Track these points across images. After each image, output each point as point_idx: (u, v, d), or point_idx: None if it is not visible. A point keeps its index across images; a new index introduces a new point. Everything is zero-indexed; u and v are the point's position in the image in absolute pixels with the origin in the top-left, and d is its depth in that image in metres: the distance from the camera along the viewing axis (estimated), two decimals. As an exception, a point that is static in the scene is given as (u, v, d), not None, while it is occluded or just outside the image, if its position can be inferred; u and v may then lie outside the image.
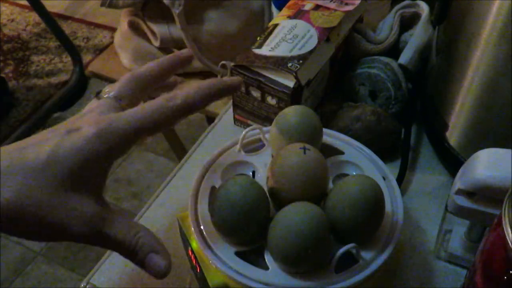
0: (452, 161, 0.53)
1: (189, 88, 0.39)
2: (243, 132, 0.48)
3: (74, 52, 1.74)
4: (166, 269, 0.36)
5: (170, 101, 0.38)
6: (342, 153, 0.49)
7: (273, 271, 0.40)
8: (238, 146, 0.49)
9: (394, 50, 0.64)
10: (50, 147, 0.34)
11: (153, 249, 0.36)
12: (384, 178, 0.46)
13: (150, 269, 0.36)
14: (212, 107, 1.07)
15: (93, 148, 0.35)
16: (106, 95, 0.40)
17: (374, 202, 0.40)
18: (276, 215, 0.40)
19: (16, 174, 0.33)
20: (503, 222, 0.33)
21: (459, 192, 0.43)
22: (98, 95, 0.41)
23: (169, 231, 0.52)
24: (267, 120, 0.58)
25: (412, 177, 0.56)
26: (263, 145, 0.49)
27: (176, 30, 0.99)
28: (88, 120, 0.36)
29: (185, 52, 0.47)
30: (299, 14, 0.61)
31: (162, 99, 0.38)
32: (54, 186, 0.33)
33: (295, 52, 0.56)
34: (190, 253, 0.45)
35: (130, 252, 0.36)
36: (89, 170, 0.35)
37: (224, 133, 0.62)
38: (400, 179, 0.55)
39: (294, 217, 0.38)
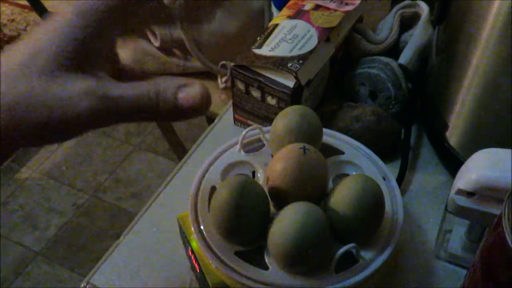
0: (452, 161, 0.53)
1: None
2: (243, 132, 0.48)
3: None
4: (202, 93, 0.32)
5: None
6: (342, 153, 0.49)
7: (273, 271, 0.40)
8: (238, 146, 0.49)
9: (394, 50, 0.64)
10: (24, 43, 0.30)
11: (179, 84, 0.32)
12: (384, 178, 0.46)
13: (185, 104, 0.32)
14: (212, 107, 1.07)
15: (76, 32, 0.31)
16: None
17: (374, 202, 0.40)
18: (276, 215, 0.40)
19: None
20: (503, 222, 0.33)
21: (459, 192, 0.43)
22: None
23: (169, 231, 0.52)
24: (267, 120, 0.58)
25: (412, 177, 0.56)
26: (263, 145, 0.49)
27: (176, 30, 0.99)
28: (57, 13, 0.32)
29: None
30: (299, 14, 0.61)
31: None
32: (43, 74, 0.30)
33: (295, 52, 0.56)
34: (190, 253, 0.45)
35: (154, 103, 0.31)
36: (79, 53, 0.31)
37: (224, 133, 0.62)
38: (400, 179, 0.55)
39: (294, 217, 0.38)
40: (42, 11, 1.56)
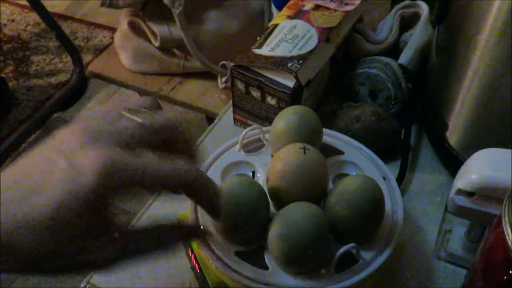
0: (452, 161, 0.53)
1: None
2: (243, 132, 0.48)
3: (74, 52, 1.74)
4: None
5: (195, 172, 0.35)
6: (342, 153, 0.49)
7: (273, 271, 0.40)
8: (238, 146, 0.49)
9: (394, 50, 0.64)
10: (52, 199, 0.31)
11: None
12: (384, 178, 0.46)
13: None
14: (212, 107, 1.07)
15: (96, 195, 0.31)
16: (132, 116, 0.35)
17: (374, 202, 0.40)
18: (276, 215, 0.40)
19: (26, 233, 0.31)
20: (503, 222, 0.33)
21: (459, 192, 0.43)
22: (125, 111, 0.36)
23: (169, 231, 0.52)
24: (267, 120, 0.58)
25: (412, 177, 0.56)
26: (263, 145, 0.49)
27: (176, 30, 0.99)
28: (94, 158, 0.32)
29: None
30: (299, 14, 0.61)
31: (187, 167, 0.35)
32: (66, 234, 0.31)
33: (295, 52, 0.56)
34: (190, 253, 0.45)
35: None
36: (97, 212, 0.32)
37: (224, 133, 0.62)
38: (400, 179, 0.55)
39: (294, 217, 0.38)
40: (42, 11, 1.56)
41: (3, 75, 1.84)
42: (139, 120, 0.35)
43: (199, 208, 0.44)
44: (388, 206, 0.43)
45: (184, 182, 0.35)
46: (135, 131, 0.34)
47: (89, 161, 0.31)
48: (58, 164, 0.32)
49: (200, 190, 0.36)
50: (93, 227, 0.32)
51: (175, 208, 0.54)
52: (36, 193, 0.31)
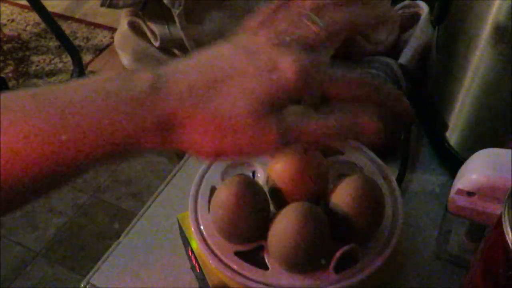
0: (452, 161, 0.53)
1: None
2: (243, 132, 0.48)
3: (74, 52, 1.74)
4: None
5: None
6: (342, 153, 0.49)
7: (273, 271, 0.40)
8: (238, 146, 0.48)
9: (394, 50, 0.64)
10: (248, 96, 0.33)
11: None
12: (384, 178, 0.46)
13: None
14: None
15: (292, 93, 0.34)
16: (317, 21, 0.37)
17: (374, 202, 0.40)
18: (276, 215, 0.40)
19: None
20: (503, 222, 0.33)
21: (459, 192, 0.43)
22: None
23: (169, 231, 0.52)
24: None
25: (412, 177, 0.56)
26: (263, 145, 0.49)
27: (176, 30, 0.99)
28: (290, 61, 0.34)
29: None
30: (299, 14, 0.60)
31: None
32: (253, 119, 0.33)
33: (295, 52, 0.56)
34: (190, 253, 0.45)
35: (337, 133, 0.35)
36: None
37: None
38: (400, 179, 0.55)
39: (294, 217, 0.38)
40: (42, 11, 1.56)
41: (3, 75, 1.85)
42: (320, 24, 0.37)
43: (199, 208, 0.44)
44: (388, 206, 0.43)
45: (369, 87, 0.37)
46: (317, 35, 0.37)
47: (287, 62, 0.33)
48: (254, 58, 0.34)
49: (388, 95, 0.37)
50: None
51: (175, 208, 0.54)
52: (229, 92, 0.33)
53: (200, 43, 1.00)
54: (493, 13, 0.44)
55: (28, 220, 1.58)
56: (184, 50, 1.04)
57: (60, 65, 1.93)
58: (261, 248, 0.41)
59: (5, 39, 2.05)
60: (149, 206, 0.55)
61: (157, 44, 1.04)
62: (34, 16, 2.07)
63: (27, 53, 2.00)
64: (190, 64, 0.35)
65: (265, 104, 0.33)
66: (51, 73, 1.91)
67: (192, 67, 0.34)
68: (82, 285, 0.50)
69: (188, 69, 0.34)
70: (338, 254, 0.39)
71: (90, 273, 0.50)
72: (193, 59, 0.35)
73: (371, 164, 0.47)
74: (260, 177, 0.46)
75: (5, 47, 2.02)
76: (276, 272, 0.40)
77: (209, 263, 0.41)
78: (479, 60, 0.48)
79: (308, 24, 0.36)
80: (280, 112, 0.34)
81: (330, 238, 0.40)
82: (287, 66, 0.33)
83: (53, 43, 1.99)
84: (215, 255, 0.41)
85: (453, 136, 0.54)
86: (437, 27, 0.58)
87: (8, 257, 1.50)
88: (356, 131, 0.35)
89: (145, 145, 0.33)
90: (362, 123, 0.34)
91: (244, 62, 0.34)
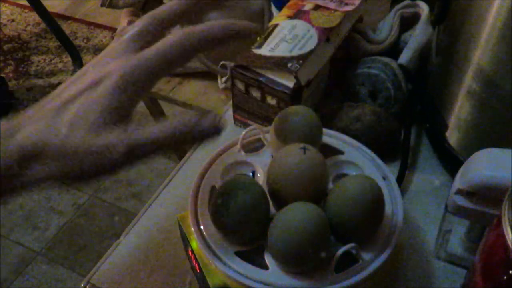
0: (452, 161, 0.53)
1: (209, 22, 0.38)
2: (243, 132, 0.48)
3: (74, 52, 1.74)
4: (219, 118, 0.36)
5: (193, 33, 0.37)
6: (342, 153, 0.49)
7: (273, 271, 0.40)
8: (238, 146, 0.49)
9: (394, 50, 0.64)
10: (78, 104, 0.35)
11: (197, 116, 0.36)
12: (384, 178, 0.46)
13: (205, 132, 0.36)
14: (212, 107, 1.07)
15: (119, 96, 0.35)
16: (127, 34, 0.39)
17: (374, 202, 0.40)
18: (276, 215, 0.40)
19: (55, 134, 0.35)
20: (503, 222, 0.33)
21: (459, 192, 0.43)
22: (114, 34, 0.41)
23: (169, 231, 0.52)
24: (267, 120, 0.58)
25: (412, 177, 0.56)
26: (263, 145, 0.49)
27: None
28: (107, 68, 0.36)
29: None
30: (299, 14, 0.61)
31: (181, 33, 0.37)
32: (92, 130, 0.34)
33: (295, 52, 0.56)
34: (190, 253, 0.45)
35: (176, 134, 0.35)
36: (117, 111, 0.35)
37: (224, 133, 0.62)
38: (400, 179, 0.55)
39: (294, 217, 0.38)
40: (42, 11, 1.56)
41: (3, 75, 1.84)
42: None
43: (199, 208, 0.44)
44: (388, 206, 0.43)
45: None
46: (136, 35, 0.38)
47: (107, 72, 0.36)
48: (82, 81, 0.36)
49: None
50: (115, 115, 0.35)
51: (175, 208, 0.54)
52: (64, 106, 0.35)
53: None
54: (493, 13, 0.45)
55: (28, 220, 1.58)
56: (184, 50, 1.04)
57: (60, 65, 1.93)
58: (261, 248, 0.41)
59: (5, 39, 2.05)
60: (149, 206, 0.55)
61: (157, 44, 1.04)
62: (34, 16, 2.07)
63: (27, 53, 2.00)
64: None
65: (103, 117, 0.35)
66: (51, 73, 1.91)
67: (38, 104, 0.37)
68: (82, 285, 0.50)
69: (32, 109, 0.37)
70: (338, 254, 0.39)
71: (90, 273, 0.50)
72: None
73: (371, 164, 0.47)
74: (260, 177, 0.46)
75: (5, 47, 2.02)
76: (276, 272, 0.40)
77: (209, 263, 0.41)
78: (479, 60, 0.48)
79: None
80: (124, 123, 0.36)
81: (330, 238, 0.40)
82: (112, 69, 0.36)
83: (53, 43, 1.99)
84: (215, 255, 0.41)
85: (453, 136, 0.54)
86: (437, 27, 0.58)
87: (8, 257, 1.50)
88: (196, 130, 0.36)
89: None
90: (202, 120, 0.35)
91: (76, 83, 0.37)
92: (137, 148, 0.35)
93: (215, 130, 0.36)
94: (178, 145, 0.35)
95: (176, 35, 0.37)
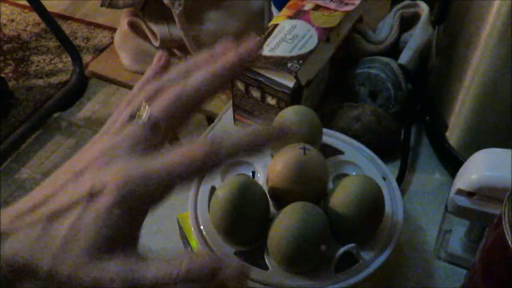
0: (452, 161, 0.53)
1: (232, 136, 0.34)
2: (243, 132, 0.48)
3: (74, 52, 1.74)
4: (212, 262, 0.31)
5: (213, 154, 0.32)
6: (342, 153, 0.49)
7: (273, 271, 0.40)
8: (238, 146, 0.48)
9: (394, 50, 0.64)
10: (70, 222, 0.31)
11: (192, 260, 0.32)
12: (384, 178, 0.46)
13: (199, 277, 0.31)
14: (212, 107, 1.07)
15: (115, 220, 0.31)
16: (142, 118, 0.34)
17: (374, 202, 0.40)
18: (276, 215, 0.40)
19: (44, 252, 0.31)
20: (503, 222, 0.33)
21: (459, 192, 0.43)
22: (131, 116, 0.35)
23: (169, 231, 0.52)
24: (267, 120, 0.58)
25: (412, 177, 0.56)
26: (263, 145, 0.49)
27: (176, 30, 0.99)
28: (111, 179, 0.31)
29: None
30: (299, 14, 0.61)
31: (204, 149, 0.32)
32: (85, 255, 0.31)
33: (295, 52, 0.56)
34: (190, 253, 0.45)
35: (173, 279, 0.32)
36: (114, 237, 0.32)
37: (224, 133, 0.62)
38: (400, 179, 0.55)
39: (294, 217, 0.38)
40: (42, 11, 1.56)
41: (3, 75, 1.84)
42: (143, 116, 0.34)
43: (199, 208, 0.44)
44: (388, 206, 0.43)
45: (196, 164, 0.32)
46: (143, 133, 0.34)
47: (105, 185, 0.31)
48: (77, 189, 0.32)
49: (219, 156, 0.33)
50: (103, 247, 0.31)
51: (175, 208, 0.54)
52: (55, 217, 0.31)
53: (200, 43, 1.00)
54: (493, 13, 0.45)
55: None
56: (184, 50, 1.04)
57: (60, 65, 1.93)
58: (261, 248, 0.41)
59: (5, 39, 2.05)
60: (149, 206, 0.55)
61: (157, 44, 1.04)
62: (34, 16, 2.07)
63: (27, 53, 1.99)
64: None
65: (99, 242, 0.31)
66: (51, 73, 1.91)
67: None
68: (82, 285, 0.50)
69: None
70: (338, 254, 0.39)
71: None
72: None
73: (371, 164, 0.47)
74: (260, 177, 0.46)
75: (5, 47, 2.02)
76: (276, 272, 0.40)
77: (209, 263, 0.41)
78: (479, 60, 0.48)
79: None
80: (125, 249, 0.32)
81: (330, 238, 0.40)
82: (108, 181, 0.31)
83: (53, 43, 1.99)
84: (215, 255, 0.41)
85: (453, 136, 0.54)
86: (437, 27, 0.58)
87: (8, 257, 1.49)
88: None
89: None
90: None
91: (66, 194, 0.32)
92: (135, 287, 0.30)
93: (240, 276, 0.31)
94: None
95: (198, 146, 0.32)
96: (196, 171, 0.32)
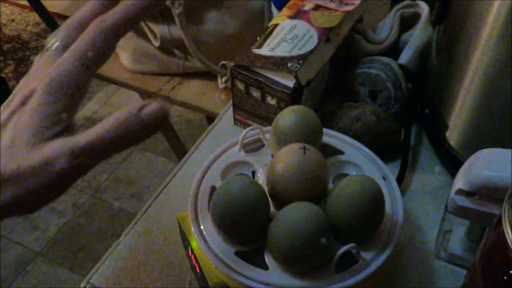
0: (452, 161, 0.53)
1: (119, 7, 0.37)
2: (243, 132, 0.48)
3: (74, 52, 1.74)
4: (161, 106, 0.33)
5: (103, 22, 0.36)
6: (342, 153, 0.49)
7: (273, 271, 0.40)
8: (238, 146, 0.49)
9: (394, 50, 0.64)
10: (11, 126, 0.34)
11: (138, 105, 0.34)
12: (384, 178, 0.46)
13: (147, 120, 0.33)
14: (212, 107, 1.07)
15: (48, 110, 0.34)
16: (52, 47, 0.38)
17: (374, 202, 0.40)
18: (276, 215, 0.40)
19: None
20: (503, 222, 0.33)
21: (459, 192, 0.43)
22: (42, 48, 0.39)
23: (169, 231, 0.52)
24: (267, 120, 0.58)
25: (412, 177, 0.56)
26: (263, 145, 0.49)
27: (176, 30, 0.99)
28: (33, 84, 0.35)
29: None
30: (299, 14, 0.61)
31: (94, 23, 0.36)
32: (28, 148, 0.33)
33: (295, 52, 0.56)
34: (190, 253, 0.45)
35: (121, 127, 0.33)
36: (52, 128, 0.34)
37: (224, 133, 0.62)
38: (400, 179, 0.55)
39: (294, 217, 0.38)
40: (42, 11, 1.56)
41: (3, 75, 1.84)
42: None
43: (199, 208, 0.44)
44: (388, 206, 0.43)
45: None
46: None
47: (37, 82, 0.35)
48: (13, 103, 0.35)
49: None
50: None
51: (175, 208, 0.54)
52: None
53: (200, 43, 1.00)
54: (493, 13, 0.45)
55: (28, 220, 1.58)
56: (184, 50, 1.04)
57: (60, 65, 1.93)
58: (261, 248, 0.41)
59: (5, 39, 2.05)
60: (149, 206, 0.55)
61: (157, 44, 1.04)
62: (34, 16, 2.07)
63: (27, 53, 1.99)
64: None
65: (39, 132, 0.33)
66: (51, 73, 1.91)
67: None
68: (82, 285, 0.50)
69: None
70: (338, 254, 0.39)
71: (90, 273, 0.50)
72: None
73: (371, 164, 0.47)
74: (260, 177, 0.46)
75: (5, 47, 2.02)
76: (276, 272, 0.40)
77: (209, 263, 0.41)
78: (479, 60, 0.48)
79: None
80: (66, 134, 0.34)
81: (330, 238, 0.40)
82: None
83: (53, 43, 1.99)
84: (215, 255, 0.41)
85: (453, 136, 0.54)
86: (437, 27, 0.58)
87: (8, 257, 1.50)
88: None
89: None
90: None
91: None
92: (81, 153, 0.32)
93: (163, 114, 0.33)
94: (130, 140, 0.33)
95: (89, 27, 0.36)
96: (100, 42, 0.36)
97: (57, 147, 0.32)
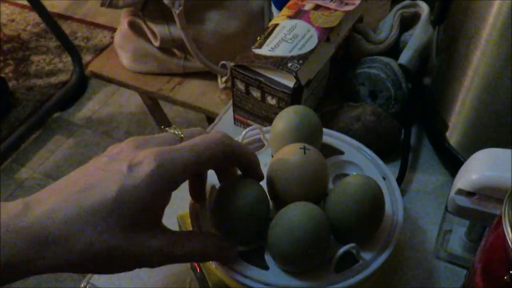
0: (452, 161, 0.53)
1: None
2: (243, 132, 0.48)
3: (74, 52, 1.74)
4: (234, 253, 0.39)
5: (226, 138, 0.38)
6: (342, 153, 0.49)
7: (273, 271, 0.40)
8: (238, 146, 0.48)
9: (394, 50, 0.64)
10: (115, 188, 0.33)
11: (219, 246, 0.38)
12: (384, 178, 0.46)
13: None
14: (212, 107, 1.07)
15: (156, 184, 0.34)
16: (171, 130, 0.40)
17: (374, 202, 0.40)
18: (276, 215, 0.40)
19: (85, 221, 0.32)
20: (503, 222, 0.33)
21: (459, 192, 0.43)
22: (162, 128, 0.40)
23: (169, 231, 0.52)
24: (267, 120, 0.58)
25: (412, 177, 0.56)
26: (263, 145, 0.49)
27: (176, 30, 0.99)
28: (148, 153, 0.35)
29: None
30: (299, 14, 0.61)
31: (217, 135, 0.38)
32: (124, 227, 0.33)
33: (295, 52, 0.56)
34: (190, 253, 0.45)
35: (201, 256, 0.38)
36: (154, 205, 0.35)
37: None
38: (400, 179, 0.55)
39: (294, 217, 0.38)
40: (42, 11, 1.56)
41: (3, 75, 1.84)
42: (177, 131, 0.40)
43: (199, 208, 0.44)
44: (388, 206, 0.43)
45: (224, 148, 0.37)
46: (173, 139, 0.38)
47: (143, 157, 0.34)
48: (115, 164, 0.34)
49: (241, 153, 0.39)
50: (144, 218, 0.34)
51: (175, 208, 0.54)
52: (97, 185, 0.33)
53: (200, 43, 1.00)
54: (493, 13, 0.45)
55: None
56: (184, 50, 1.04)
57: (60, 65, 1.93)
58: (261, 248, 0.41)
59: (5, 39, 2.05)
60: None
61: (157, 44, 1.04)
62: (34, 16, 2.07)
63: (27, 53, 1.99)
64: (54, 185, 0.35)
65: (143, 215, 0.34)
66: (51, 73, 1.91)
67: (55, 186, 0.35)
68: (82, 285, 0.50)
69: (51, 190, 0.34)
70: (338, 254, 0.39)
71: (90, 273, 0.50)
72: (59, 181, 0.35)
73: (371, 164, 0.47)
74: (260, 177, 0.46)
75: (5, 47, 2.02)
76: (276, 272, 0.40)
77: (209, 263, 0.41)
78: (479, 60, 0.48)
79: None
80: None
81: (330, 238, 0.40)
82: (145, 156, 0.34)
83: (53, 43, 1.99)
84: (215, 255, 0.41)
85: (453, 136, 0.54)
86: (437, 27, 0.58)
87: (8, 257, 1.49)
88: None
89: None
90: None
91: (105, 164, 0.35)
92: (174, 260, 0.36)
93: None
94: None
95: (214, 136, 0.37)
96: (214, 152, 0.36)
97: (158, 248, 0.35)
